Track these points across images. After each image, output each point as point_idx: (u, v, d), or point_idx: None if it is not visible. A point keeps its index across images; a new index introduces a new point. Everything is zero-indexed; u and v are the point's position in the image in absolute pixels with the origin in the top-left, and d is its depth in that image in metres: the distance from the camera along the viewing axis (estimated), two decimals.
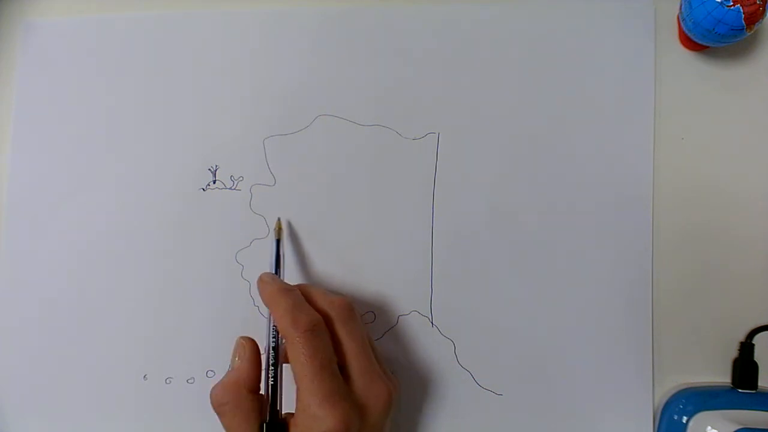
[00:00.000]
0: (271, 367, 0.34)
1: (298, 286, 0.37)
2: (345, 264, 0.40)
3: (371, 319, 0.39)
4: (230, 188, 0.40)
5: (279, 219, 0.39)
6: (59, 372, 0.40)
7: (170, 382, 0.40)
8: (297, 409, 0.32)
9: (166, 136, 0.41)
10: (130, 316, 0.40)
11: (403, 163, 0.40)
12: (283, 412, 0.34)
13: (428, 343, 0.39)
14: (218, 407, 0.33)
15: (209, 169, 0.41)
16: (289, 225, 0.40)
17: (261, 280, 0.36)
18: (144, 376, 0.40)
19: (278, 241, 0.38)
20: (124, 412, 0.40)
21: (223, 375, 0.35)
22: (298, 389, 0.32)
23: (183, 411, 0.39)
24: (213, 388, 0.34)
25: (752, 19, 0.34)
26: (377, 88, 0.40)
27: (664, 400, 0.37)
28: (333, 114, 0.40)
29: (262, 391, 0.34)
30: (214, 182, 0.41)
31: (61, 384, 0.40)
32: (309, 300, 0.35)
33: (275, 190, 0.40)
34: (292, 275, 0.40)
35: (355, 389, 0.33)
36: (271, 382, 0.33)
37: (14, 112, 0.42)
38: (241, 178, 0.40)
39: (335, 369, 0.33)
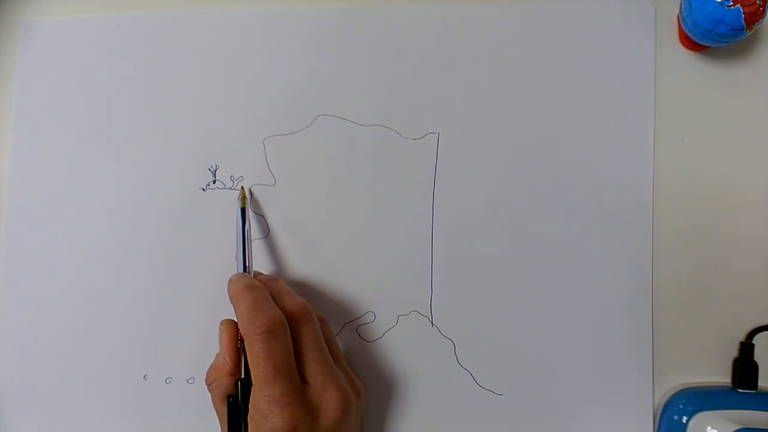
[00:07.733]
0: (244, 363, 0.35)
1: (270, 281, 0.37)
2: (345, 264, 0.40)
3: (371, 319, 0.39)
4: (230, 188, 0.40)
5: (243, 188, 0.40)
6: (59, 372, 0.40)
7: (170, 382, 0.40)
8: (251, 405, 0.33)
9: (166, 136, 0.41)
10: (130, 315, 0.40)
11: (403, 163, 0.40)
12: None
13: (428, 343, 0.39)
14: (208, 386, 0.36)
15: (209, 169, 0.41)
16: (285, 223, 0.40)
17: (229, 280, 0.36)
18: (144, 376, 0.40)
19: (243, 210, 0.38)
20: (124, 412, 0.40)
21: None
22: (252, 387, 0.33)
23: (183, 411, 0.39)
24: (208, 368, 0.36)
25: (752, 19, 0.34)
26: (377, 88, 0.40)
27: (664, 400, 0.37)
28: (333, 114, 0.40)
29: None
30: (214, 182, 0.41)
31: (61, 384, 0.40)
32: (275, 298, 0.35)
33: (275, 190, 0.40)
34: (292, 275, 0.40)
35: (308, 392, 0.33)
36: (242, 376, 0.34)
37: (14, 112, 0.42)
38: (241, 178, 0.40)
39: (291, 370, 0.33)
